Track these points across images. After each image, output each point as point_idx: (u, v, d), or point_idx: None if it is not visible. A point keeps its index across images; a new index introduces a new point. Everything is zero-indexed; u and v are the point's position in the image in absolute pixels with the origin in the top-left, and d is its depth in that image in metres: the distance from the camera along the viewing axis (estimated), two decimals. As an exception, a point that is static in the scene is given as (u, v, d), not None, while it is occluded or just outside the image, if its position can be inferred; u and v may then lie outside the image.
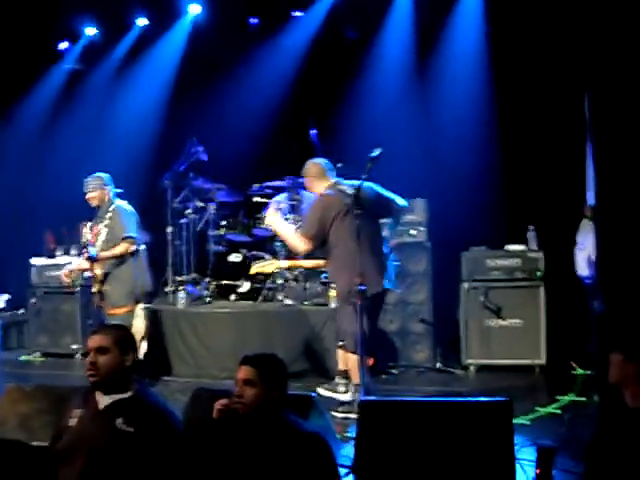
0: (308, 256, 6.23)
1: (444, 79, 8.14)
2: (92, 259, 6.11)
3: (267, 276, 7.70)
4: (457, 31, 8.18)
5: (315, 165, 5.75)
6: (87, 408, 3.14)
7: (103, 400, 3.11)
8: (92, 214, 8.66)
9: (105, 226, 6.29)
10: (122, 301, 6.26)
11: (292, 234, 5.71)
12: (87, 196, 6.39)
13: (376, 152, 5.11)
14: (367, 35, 8.56)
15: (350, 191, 5.24)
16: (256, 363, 2.99)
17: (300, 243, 5.56)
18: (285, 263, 6.71)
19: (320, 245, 5.60)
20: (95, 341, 3.11)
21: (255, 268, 6.77)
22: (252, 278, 7.77)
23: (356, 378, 5.38)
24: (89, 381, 3.12)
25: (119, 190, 6.54)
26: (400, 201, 5.69)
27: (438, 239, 7.38)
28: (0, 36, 8.68)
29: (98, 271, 6.21)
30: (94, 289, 6.29)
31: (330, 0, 8.58)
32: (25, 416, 4.17)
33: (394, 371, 7.06)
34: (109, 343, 3.09)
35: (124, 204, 6.48)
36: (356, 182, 5.27)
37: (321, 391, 5.66)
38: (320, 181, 5.68)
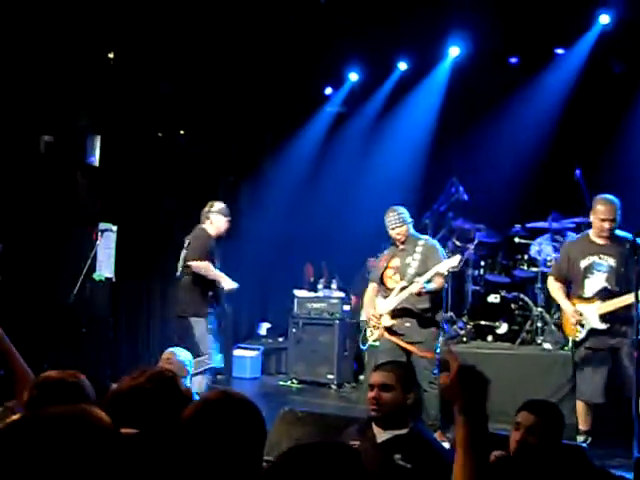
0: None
1: None
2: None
3: (526, 319, 7.52)
4: None
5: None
6: (364, 440, 3.21)
7: (381, 434, 3.18)
8: (351, 250, 9.05)
9: (414, 260, 5.72)
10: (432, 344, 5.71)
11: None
12: (396, 231, 5.80)
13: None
14: (636, 67, 8.14)
15: None
16: (540, 412, 2.96)
17: None
18: None
19: None
20: (379, 377, 3.21)
21: None
22: (511, 319, 7.62)
23: (581, 424, 5.55)
24: (370, 415, 3.22)
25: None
26: None
27: None
28: (272, 82, 9.41)
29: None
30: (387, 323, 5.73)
31: (595, 34, 8.27)
32: (297, 440, 4.35)
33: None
34: (393, 381, 3.18)
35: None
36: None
37: None
38: None
